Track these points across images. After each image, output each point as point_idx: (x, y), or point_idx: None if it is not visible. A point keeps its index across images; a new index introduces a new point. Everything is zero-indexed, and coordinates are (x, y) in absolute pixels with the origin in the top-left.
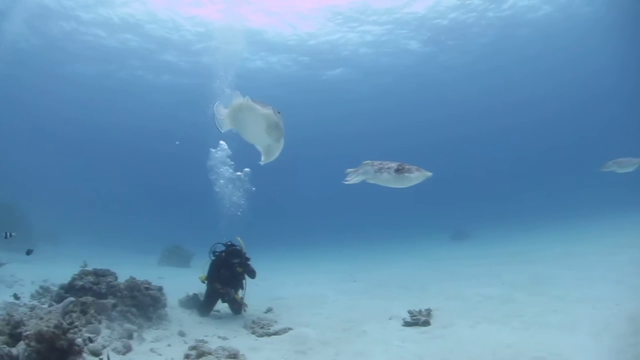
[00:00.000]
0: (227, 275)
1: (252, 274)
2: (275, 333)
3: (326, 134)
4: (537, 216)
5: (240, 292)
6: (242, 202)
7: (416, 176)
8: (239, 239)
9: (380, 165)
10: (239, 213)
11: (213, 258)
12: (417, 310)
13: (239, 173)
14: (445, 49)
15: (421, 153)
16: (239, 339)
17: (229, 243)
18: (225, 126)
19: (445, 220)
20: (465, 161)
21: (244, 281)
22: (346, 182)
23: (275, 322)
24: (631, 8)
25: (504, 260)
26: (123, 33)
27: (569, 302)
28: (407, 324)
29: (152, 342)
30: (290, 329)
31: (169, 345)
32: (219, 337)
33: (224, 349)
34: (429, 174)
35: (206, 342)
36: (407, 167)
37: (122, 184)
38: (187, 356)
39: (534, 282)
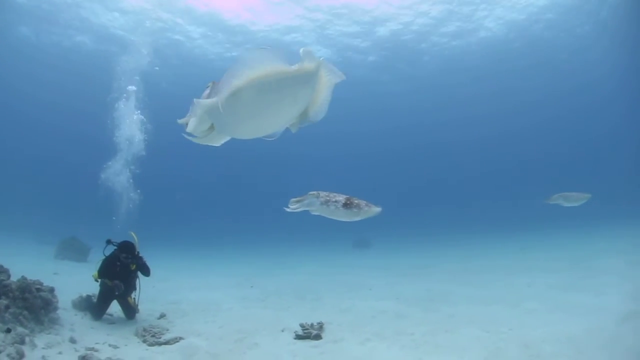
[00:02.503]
0: (121, 272)
1: (146, 271)
2: (166, 342)
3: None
4: (442, 229)
5: (133, 294)
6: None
7: (365, 212)
8: (132, 234)
9: (327, 198)
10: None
11: (106, 255)
12: (309, 323)
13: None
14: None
15: (336, 161)
16: (130, 348)
17: (123, 241)
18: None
19: (349, 226)
20: (379, 170)
21: (137, 281)
22: (288, 210)
23: (167, 330)
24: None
25: (402, 272)
26: None
27: (461, 322)
28: (298, 337)
29: (43, 348)
30: (181, 338)
31: (60, 353)
32: (109, 345)
33: None
34: (378, 209)
35: (96, 351)
36: (356, 202)
37: (21, 165)
38: None
39: (429, 297)
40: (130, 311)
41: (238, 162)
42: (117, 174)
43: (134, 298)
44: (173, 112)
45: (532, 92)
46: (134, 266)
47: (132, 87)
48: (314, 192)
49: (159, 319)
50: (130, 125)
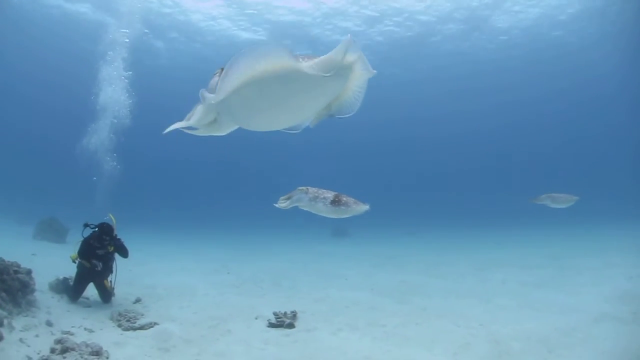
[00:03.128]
0: (99, 254)
1: (123, 252)
2: (141, 327)
3: None
4: (421, 220)
5: (110, 277)
6: None
7: (352, 210)
8: (111, 216)
9: (316, 194)
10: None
11: (85, 237)
12: (283, 312)
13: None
14: None
15: (325, 149)
16: (105, 332)
17: (101, 222)
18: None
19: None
20: (366, 159)
21: (114, 264)
22: (276, 206)
23: (142, 315)
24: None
25: (378, 262)
26: None
27: (433, 315)
28: (271, 325)
29: (21, 331)
30: (156, 323)
31: (36, 336)
32: (85, 328)
33: (87, 345)
34: (366, 207)
35: (72, 335)
36: (344, 199)
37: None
38: (52, 350)
39: (403, 289)
40: (106, 295)
41: (227, 144)
42: (98, 136)
43: (111, 281)
44: (164, 86)
45: (531, 88)
46: (112, 248)
47: (124, 31)
48: (303, 188)
49: (134, 303)
50: (115, 87)
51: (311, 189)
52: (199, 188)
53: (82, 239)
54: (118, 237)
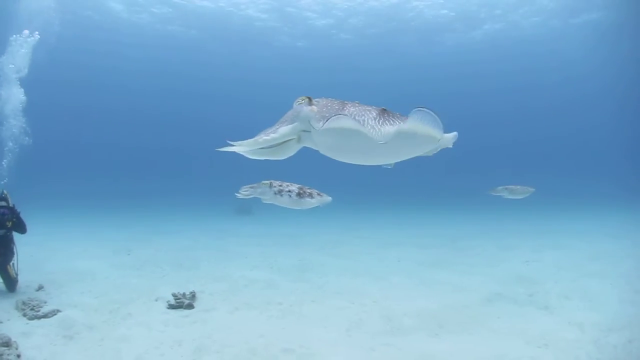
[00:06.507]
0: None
1: (22, 227)
2: (45, 316)
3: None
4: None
5: (12, 261)
6: None
7: (316, 201)
8: (4, 191)
9: (280, 188)
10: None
11: None
12: (182, 293)
13: None
14: None
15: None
16: (12, 322)
17: None
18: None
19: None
20: None
21: (14, 247)
22: (237, 195)
23: (45, 302)
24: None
25: (279, 240)
26: None
27: (328, 293)
28: (171, 306)
29: None
30: (59, 310)
31: None
32: None
33: None
34: (329, 199)
35: None
36: (308, 191)
37: None
38: None
39: (300, 267)
40: (10, 283)
41: (138, 124)
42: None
43: (13, 264)
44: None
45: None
46: (11, 223)
47: None
48: (267, 182)
49: (37, 290)
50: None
51: (275, 183)
52: (101, 165)
53: None
54: (18, 210)
